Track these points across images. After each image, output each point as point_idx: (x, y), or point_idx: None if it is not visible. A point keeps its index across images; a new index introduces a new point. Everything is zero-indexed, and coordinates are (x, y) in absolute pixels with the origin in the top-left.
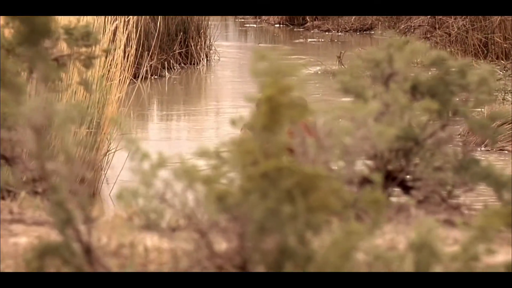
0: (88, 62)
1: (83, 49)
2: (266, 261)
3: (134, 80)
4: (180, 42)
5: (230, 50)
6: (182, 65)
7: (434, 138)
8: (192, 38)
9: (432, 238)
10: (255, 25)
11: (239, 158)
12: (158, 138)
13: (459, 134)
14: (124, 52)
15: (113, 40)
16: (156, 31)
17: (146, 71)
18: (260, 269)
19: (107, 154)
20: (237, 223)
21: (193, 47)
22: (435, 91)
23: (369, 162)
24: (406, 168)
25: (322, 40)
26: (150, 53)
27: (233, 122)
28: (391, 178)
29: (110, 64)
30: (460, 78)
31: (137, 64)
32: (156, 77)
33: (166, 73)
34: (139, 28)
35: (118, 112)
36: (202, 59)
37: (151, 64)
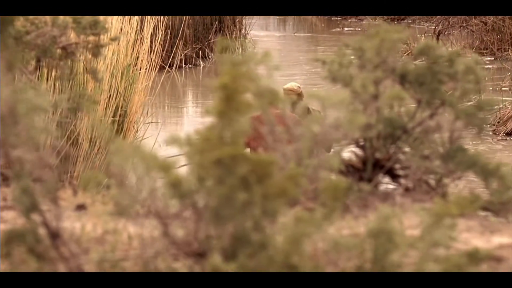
0: (96, 50)
1: (91, 38)
2: (222, 247)
3: (168, 69)
4: (216, 31)
5: (266, 39)
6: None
7: (422, 127)
8: (228, 28)
9: (390, 226)
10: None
11: (197, 146)
12: (192, 126)
13: (489, 124)
14: (151, 42)
15: (140, 29)
16: (191, 20)
17: (181, 60)
18: (216, 255)
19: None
20: (193, 210)
21: (228, 36)
22: (423, 80)
23: (357, 150)
24: (394, 157)
25: (359, 29)
26: (185, 42)
27: (207, 111)
28: (379, 166)
29: (137, 53)
30: (448, 67)
31: (172, 53)
32: (190, 66)
33: (201, 62)
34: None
35: (145, 101)
36: (237, 48)
37: (186, 53)
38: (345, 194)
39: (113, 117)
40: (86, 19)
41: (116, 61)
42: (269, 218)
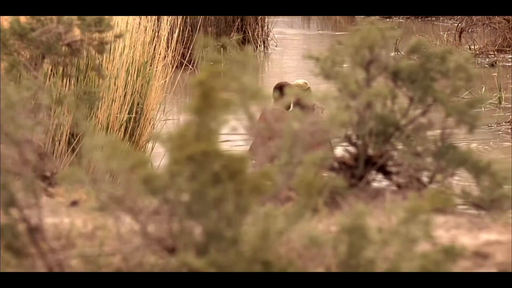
0: (101, 47)
1: (96, 35)
2: (194, 243)
3: (189, 65)
4: (238, 28)
5: (290, 37)
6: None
7: (414, 124)
8: (250, 25)
9: (363, 222)
10: None
11: (172, 142)
12: None
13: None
14: (168, 39)
15: (158, 26)
16: (213, 17)
17: (202, 57)
18: (189, 251)
19: (150, 139)
20: (166, 206)
21: (250, 34)
22: (415, 78)
23: (350, 147)
24: (386, 154)
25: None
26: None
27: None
28: (371, 163)
29: (154, 51)
30: (440, 64)
31: (192, 50)
32: (211, 63)
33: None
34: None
35: (163, 98)
36: (259, 45)
37: (207, 50)
38: (319, 190)
39: (128, 113)
40: (91, 16)
41: (132, 58)
42: (242, 214)
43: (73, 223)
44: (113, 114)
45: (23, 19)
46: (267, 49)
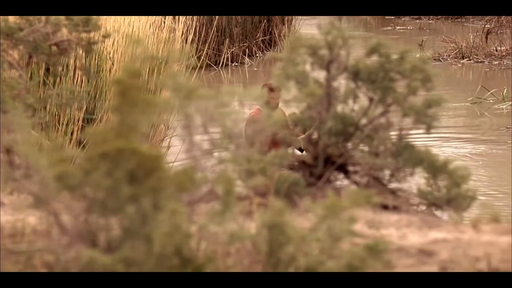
0: (88, 47)
1: (83, 35)
2: (110, 239)
3: (214, 67)
4: (264, 29)
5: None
6: (265, 52)
7: (373, 124)
8: (276, 26)
9: (283, 219)
10: None
11: (91, 140)
12: None
13: None
14: (186, 40)
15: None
16: (240, 18)
17: (227, 58)
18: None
19: (164, 139)
20: (81, 203)
21: (276, 35)
22: (374, 78)
23: (309, 147)
24: (345, 153)
25: (411, 27)
26: (232, 40)
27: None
28: (330, 163)
29: (169, 51)
30: (399, 65)
31: (218, 51)
32: (237, 64)
33: (248, 60)
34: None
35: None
36: (286, 46)
37: (233, 51)
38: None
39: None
40: (80, 16)
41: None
42: (157, 211)
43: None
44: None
45: (12, 18)
46: None
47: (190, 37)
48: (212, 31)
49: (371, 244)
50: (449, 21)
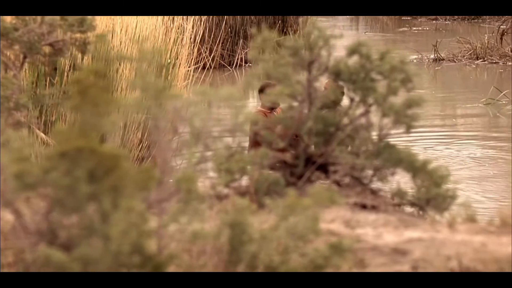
0: (83, 47)
1: (78, 35)
2: (70, 238)
3: (228, 67)
4: (279, 30)
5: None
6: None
7: (354, 124)
8: (291, 27)
9: (244, 218)
10: None
11: (55, 139)
12: None
13: None
14: (195, 41)
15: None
16: (255, 18)
17: (241, 58)
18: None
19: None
20: (41, 201)
21: (291, 35)
22: (355, 78)
23: (290, 147)
24: (326, 153)
25: (427, 28)
26: (246, 41)
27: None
28: (311, 162)
29: (178, 52)
30: (379, 65)
31: (232, 51)
32: (250, 64)
33: None
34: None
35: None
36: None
37: (247, 52)
38: (196, 186)
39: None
40: (74, 16)
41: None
42: (118, 210)
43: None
44: (130, 114)
45: (8, 18)
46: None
47: (198, 38)
48: (226, 32)
49: (335, 243)
50: (465, 22)
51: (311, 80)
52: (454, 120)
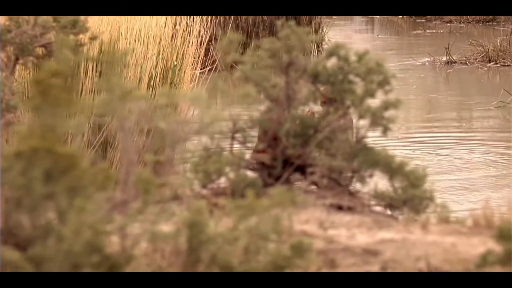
0: (76, 49)
1: (71, 37)
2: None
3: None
4: None
5: (346, 41)
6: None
7: (332, 126)
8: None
9: (202, 218)
10: (378, 16)
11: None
12: None
13: None
14: (200, 43)
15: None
16: (267, 19)
17: None
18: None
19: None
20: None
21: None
22: (333, 80)
23: (268, 148)
24: (304, 154)
25: (441, 31)
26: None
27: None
28: (289, 164)
29: (183, 54)
30: (356, 68)
31: (243, 53)
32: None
33: None
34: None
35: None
36: (313, 50)
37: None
38: (157, 188)
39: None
40: (67, 18)
41: (157, 61)
42: (74, 210)
43: None
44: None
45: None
46: (320, 53)
47: (205, 39)
48: (238, 33)
49: (295, 243)
50: (480, 24)
51: (289, 82)
52: (461, 123)
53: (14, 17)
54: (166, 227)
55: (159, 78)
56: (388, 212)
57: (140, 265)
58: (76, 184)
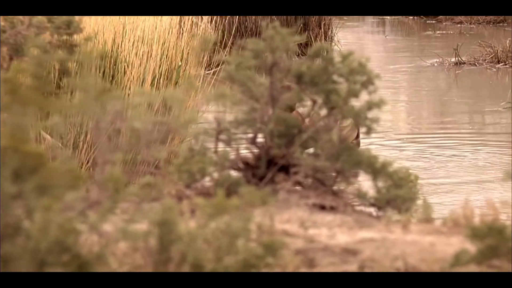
0: (70, 50)
1: (65, 37)
2: None
3: None
4: (300, 32)
5: (355, 42)
6: (300, 56)
7: (316, 126)
8: (312, 30)
9: (172, 217)
10: (388, 17)
11: None
12: None
13: None
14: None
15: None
16: (275, 18)
17: None
18: None
19: (183, 142)
20: None
21: (312, 38)
22: (317, 81)
23: (253, 148)
24: (288, 155)
25: (451, 32)
26: None
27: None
28: (273, 164)
29: (188, 54)
30: (339, 68)
31: None
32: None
33: None
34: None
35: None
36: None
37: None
38: (125, 187)
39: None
40: (61, 18)
41: (160, 62)
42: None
43: None
44: None
45: None
46: (329, 54)
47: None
48: (247, 32)
49: (267, 242)
50: (490, 25)
51: (274, 82)
52: (469, 124)
53: (9, 18)
54: (141, 227)
55: (163, 78)
56: (372, 211)
57: (111, 265)
58: (44, 183)
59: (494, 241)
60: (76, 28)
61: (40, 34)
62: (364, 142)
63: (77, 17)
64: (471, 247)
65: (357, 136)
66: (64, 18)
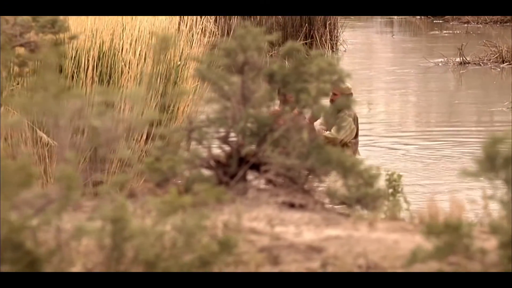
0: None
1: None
2: None
3: None
4: (305, 33)
5: (361, 42)
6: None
7: (286, 125)
8: (317, 30)
9: (124, 214)
10: (396, 17)
11: None
12: None
13: None
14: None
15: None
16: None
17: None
18: None
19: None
20: None
21: (317, 39)
22: (288, 80)
23: (224, 146)
24: (259, 153)
25: (458, 32)
26: (271, 44)
27: None
28: (244, 162)
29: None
30: (309, 68)
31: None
32: None
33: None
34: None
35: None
36: (327, 50)
37: (272, 55)
38: (78, 185)
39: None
40: (45, 18)
41: (158, 61)
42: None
43: None
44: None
45: None
46: (335, 54)
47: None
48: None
49: (222, 239)
50: (497, 25)
51: (245, 81)
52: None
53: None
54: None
55: (162, 77)
56: (340, 209)
57: (63, 262)
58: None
59: (450, 238)
60: (60, 27)
61: (24, 33)
62: (368, 143)
63: (62, 17)
64: (428, 244)
65: (356, 135)
66: (49, 17)
